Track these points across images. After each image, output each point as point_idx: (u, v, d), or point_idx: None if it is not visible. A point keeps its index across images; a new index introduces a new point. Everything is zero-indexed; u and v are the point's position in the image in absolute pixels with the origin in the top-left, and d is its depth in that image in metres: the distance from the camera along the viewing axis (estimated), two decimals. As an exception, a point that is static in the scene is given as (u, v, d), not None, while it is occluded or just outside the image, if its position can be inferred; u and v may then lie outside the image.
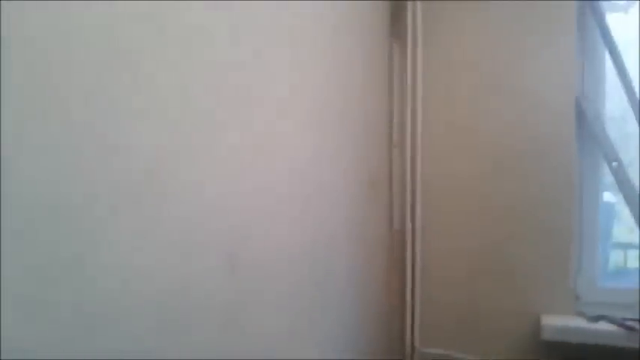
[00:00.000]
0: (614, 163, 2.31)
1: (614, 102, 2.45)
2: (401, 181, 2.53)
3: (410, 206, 2.51)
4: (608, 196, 2.57)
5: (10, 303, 0.86)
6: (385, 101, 2.53)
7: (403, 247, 2.50)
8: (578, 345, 2.24)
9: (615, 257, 2.82)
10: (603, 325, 2.26)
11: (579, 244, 2.43)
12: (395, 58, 2.56)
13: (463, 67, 2.49)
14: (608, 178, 2.42)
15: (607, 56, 2.37)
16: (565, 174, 2.36)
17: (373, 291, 2.38)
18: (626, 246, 2.73)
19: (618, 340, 2.19)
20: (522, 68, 2.41)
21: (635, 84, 2.31)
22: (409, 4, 2.50)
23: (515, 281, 2.40)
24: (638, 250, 2.57)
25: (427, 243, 2.51)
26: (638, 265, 2.59)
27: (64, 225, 0.96)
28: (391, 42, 2.56)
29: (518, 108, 2.41)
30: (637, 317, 2.19)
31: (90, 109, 1.01)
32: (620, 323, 2.22)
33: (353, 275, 2.18)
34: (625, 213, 2.40)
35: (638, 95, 2.31)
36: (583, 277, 2.44)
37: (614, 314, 2.27)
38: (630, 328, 2.18)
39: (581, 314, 2.34)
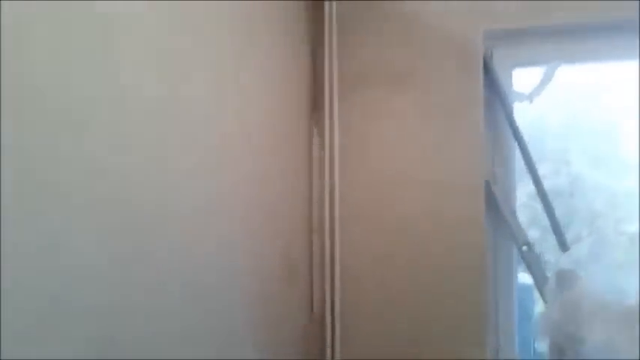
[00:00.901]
0: (524, 247, 2.33)
1: (523, 185, 2.49)
2: (320, 265, 2.51)
3: (329, 290, 2.47)
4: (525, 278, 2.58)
5: None
6: (305, 186, 2.54)
7: (323, 332, 2.45)
8: None
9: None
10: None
11: (496, 327, 2.42)
12: (315, 143, 2.58)
13: (379, 152, 2.52)
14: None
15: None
16: (477, 257, 2.37)
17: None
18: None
19: None
20: (434, 153, 2.46)
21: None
22: (327, 90, 2.55)
23: (434, 365, 2.36)
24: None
25: (347, 327, 2.46)
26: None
27: None
28: (311, 127, 2.59)
29: (431, 192, 2.44)
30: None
31: None
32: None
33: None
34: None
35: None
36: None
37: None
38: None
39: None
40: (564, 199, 2.54)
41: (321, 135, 2.56)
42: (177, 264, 1.63)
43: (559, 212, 2.42)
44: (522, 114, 2.49)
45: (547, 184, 2.39)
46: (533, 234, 2.43)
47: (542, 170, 2.44)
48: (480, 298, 2.36)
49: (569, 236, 2.35)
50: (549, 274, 1.99)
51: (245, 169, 2.03)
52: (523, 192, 2.48)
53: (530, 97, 2.50)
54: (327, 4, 2.56)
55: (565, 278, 1.84)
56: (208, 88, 1.82)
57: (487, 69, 2.45)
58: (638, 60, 2.36)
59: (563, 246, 2.26)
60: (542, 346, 1.98)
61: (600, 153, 2.69)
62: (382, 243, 2.48)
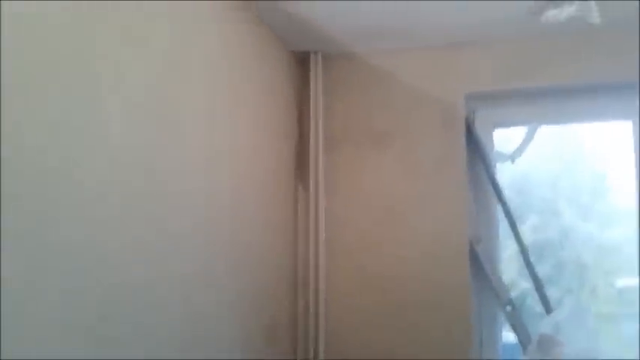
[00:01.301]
0: (508, 308, 2.31)
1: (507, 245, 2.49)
2: (304, 323, 2.47)
3: (313, 350, 2.43)
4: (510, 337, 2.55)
5: None
6: (290, 245, 2.52)
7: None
8: None
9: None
10: None
11: (481, 388, 2.38)
12: (300, 201, 2.57)
13: (364, 210, 2.52)
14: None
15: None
16: (461, 315, 2.35)
17: None
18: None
19: None
20: (419, 213, 2.46)
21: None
22: (312, 147, 2.56)
23: None
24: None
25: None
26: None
27: None
28: (296, 184, 2.59)
29: (415, 252, 2.43)
30: None
31: None
32: None
33: None
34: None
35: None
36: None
37: None
38: None
39: None
40: (555, 251, 2.53)
41: (306, 191, 2.57)
42: (167, 326, 1.61)
43: (549, 264, 2.42)
44: (511, 168, 2.51)
45: (537, 236, 2.39)
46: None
47: (532, 222, 2.44)
48: (465, 357, 2.33)
49: (559, 288, 2.34)
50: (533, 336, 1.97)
51: (234, 228, 2.02)
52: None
53: (512, 157, 2.53)
54: (312, 63, 2.59)
55: (546, 343, 1.82)
56: (198, 143, 1.84)
57: (469, 130, 2.48)
58: (614, 120, 2.44)
59: (547, 308, 2.25)
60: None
61: (588, 205, 2.72)
62: (368, 301, 2.45)
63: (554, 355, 1.76)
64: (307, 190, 2.56)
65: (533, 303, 2.37)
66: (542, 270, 2.40)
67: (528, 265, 2.34)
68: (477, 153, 2.49)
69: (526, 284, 2.44)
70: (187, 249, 1.75)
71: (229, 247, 2.00)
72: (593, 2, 1.99)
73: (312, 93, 2.59)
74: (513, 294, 2.39)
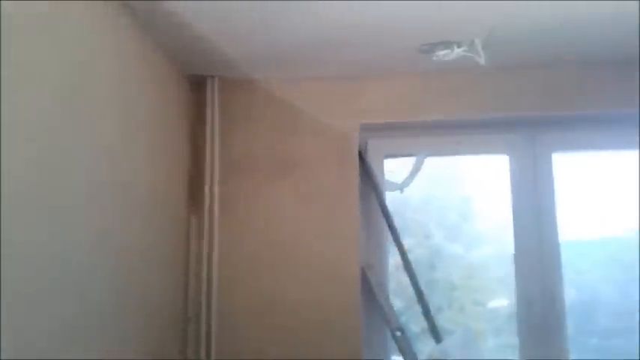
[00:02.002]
0: (398, 333, 2.35)
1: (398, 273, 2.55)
2: (195, 353, 2.37)
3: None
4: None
5: None
6: (181, 276, 2.41)
7: None
8: None
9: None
10: None
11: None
12: (192, 232, 2.48)
13: (259, 238, 2.48)
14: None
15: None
16: (351, 340, 2.37)
17: None
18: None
19: None
20: (313, 240, 2.46)
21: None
22: (207, 175, 2.48)
23: None
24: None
25: None
26: None
27: None
28: (189, 215, 2.49)
29: (310, 278, 2.43)
30: None
31: None
32: None
33: None
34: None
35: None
36: None
37: None
38: None
39: None
40: (425, 271, 2.60)
41: (200, 220, 2.48)
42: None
43: (421, 283, 2.51)
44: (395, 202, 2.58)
45: (410, 256, 2.47)
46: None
47: (405, 243, 2.50)
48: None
49: (431, 306, 2.42)
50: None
51: (120, 258, 1.89)
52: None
53: (401, 187, 2.60)
54: (209, 88, 2.53)
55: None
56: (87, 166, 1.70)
57: (362, 159, 2.53)
58: (491, 154, 2.61)
59: (437, 339, 2.32)
60: None
61: (456, 227, 2.87)
62: (261, 330, 2.40)
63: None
64: (201, 218, 2.47)
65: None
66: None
67: (418, 293, 2.40)
68: (368, 182, 2.54)
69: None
70: (69, 278, 1.60)
71: (115, 277, 1.86)
72: (479, 45, 2.12)
73: (208, 119, 2.52)
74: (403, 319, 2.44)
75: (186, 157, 2.50)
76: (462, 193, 2.86)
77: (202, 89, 2.54)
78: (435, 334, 2.34)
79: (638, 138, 2.45)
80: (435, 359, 1.89)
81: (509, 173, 2.59)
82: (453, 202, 2.88)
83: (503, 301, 2.88)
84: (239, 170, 2.52)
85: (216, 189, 2.49)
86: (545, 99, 2.46)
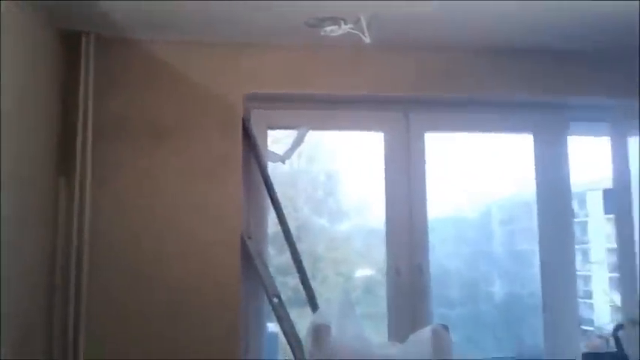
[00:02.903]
0: (275, 299, 2.36)
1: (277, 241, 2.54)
2: (62, 326, 2.22)
3: (72, 354, 2.19)
4: (273, 327, 2.61)
5: None
6: (48, 243, 2.23)
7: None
8: None
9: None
10: None
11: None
12: (62, 195, 2.30)
13: (136, 206, 2.36)
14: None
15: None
16: (230, 306, 2.35)
17: None
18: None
19: None
20: (193, 208, 2.38)
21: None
22: (79, 138, 2.31)
23: None
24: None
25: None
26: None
27: None
28: (58, 178, 2.30)
29: (190, 247, 2.36)
30: None
31: None
32: None
33: None
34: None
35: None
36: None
37: None
38: None
39: None
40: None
41: (71, 184, 2.30)
42: None
43: (287, 255, 2.54)
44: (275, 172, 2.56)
45: (278, 229, 2.47)
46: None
47: (273, 215, 2.50)
48: (233, 344, 2.33)
49: (295, 277, 2.45)
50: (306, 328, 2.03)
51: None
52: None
53: (283, 159, 2.59)
54: (84, 45, 2.33)
55: (319, 332, 1.89)
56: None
57: (245, 129, 2.48)
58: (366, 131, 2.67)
59: (314, 307, 2.35)
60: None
61: (322, 201, 2.92)
62: (137, 301, 2.30)
63: (327, 342, 1.84)
64: (72, 182, 2.30)
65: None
66: (280, 260, 2.48)
67: (297, 263, 2.42)
68: (251, 152, 2.50)
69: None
70: None
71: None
72: (365, 23, 2.14)
73: (81, 78, 2.33)
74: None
75: (56, 118, 2.30)
76: (330, 168, 2.93)
77: (77, 46, 2.34)
78: (312, 302, 2.37)
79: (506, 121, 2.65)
80: (318, 324, 1.90)
81: (383, 150, 2.66)
82: (320, 177, 2.93)
83: (367, 271, 3.01)
84: (114, 135, 2.36)
85: (89, 153, 2.32)
86: (421, 80, 2.54)
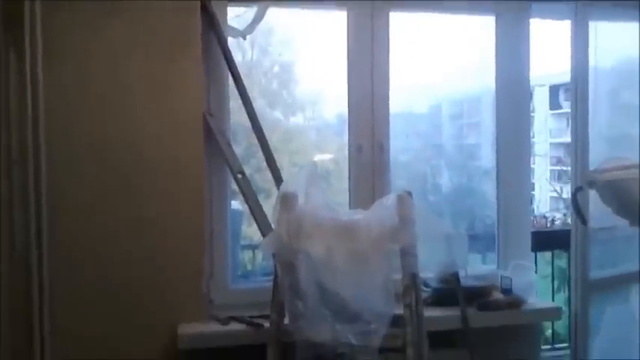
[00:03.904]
0: (239, 175, 2.33)
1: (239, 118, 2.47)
2: (23, 201, 2.13)
3: (35, 229, 2.13)
4: (236, 204, 2.61)
5: None
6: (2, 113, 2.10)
7: (28, 275, 2.11)
8: (213, 349, 2.19)
9: (245, 258, 2.90)
10: (234, 326, 2.25)
11: (210, 251, 2.40)
12: (11, 67, 2.14)
13: (91, 84, 2.23)
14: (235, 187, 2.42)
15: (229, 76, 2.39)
16: (194, 186, 2.31)
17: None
18: (253, 247, 2.82)
19: (248, 338, 2.20)
20: (151, 85, 2.27)
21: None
22: (27, 5, 2.12)
23: (151, 295, 2.25)
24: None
25: (54, 268, 2.16)
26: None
27: None
28: (7, 50, 2.13)
29: (148, 124, 2.27)
30: (263, 314, 2.20)
31: None
32: (248, 322, 2.24)
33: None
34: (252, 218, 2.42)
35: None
36: (215, 282, 2.41)
37: (244, 314, 2.28)
38: (257, 326, 2.21)
39: (214, 318, 2.30)
40: (248, 135, 2.57)
41: (21, 59, 2.14)
42: None
43: (244, 146, 2.49)
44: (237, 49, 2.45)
45: (234, 120, 2.43)
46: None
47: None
48: (197, 226, 2.32)
49: (250, 167, 2.46)
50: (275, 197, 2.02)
51: None
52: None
53: (243, 34, 2.48)
54: None
55: (287, 199, 1.89)
56: None
57: (204, 4, 2.33)
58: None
59: (278, 181, 2.32)
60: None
61: (276, 92, 2.87)
62: (94, 175, 2.23)
63: (295, 209, 1.84)
64: (22, 57, 2.13)
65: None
66: (237, 151, 2.43)
67: (261, 140, 2.37)
68: (210, 28, 2.37)
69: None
70: None
71: None
72: None
73: None
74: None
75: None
76: (285, 59, 2.84)
77: None
78: (276, 176, 2.35)
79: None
80: (287, 192, 1.89)
81: (346, 29, 2.57)
82: (275, 68, 2.83)
83: (325, 156, 3.01)
84: (65, 4, 2.18)
85: (38, 24, 2.14)
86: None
